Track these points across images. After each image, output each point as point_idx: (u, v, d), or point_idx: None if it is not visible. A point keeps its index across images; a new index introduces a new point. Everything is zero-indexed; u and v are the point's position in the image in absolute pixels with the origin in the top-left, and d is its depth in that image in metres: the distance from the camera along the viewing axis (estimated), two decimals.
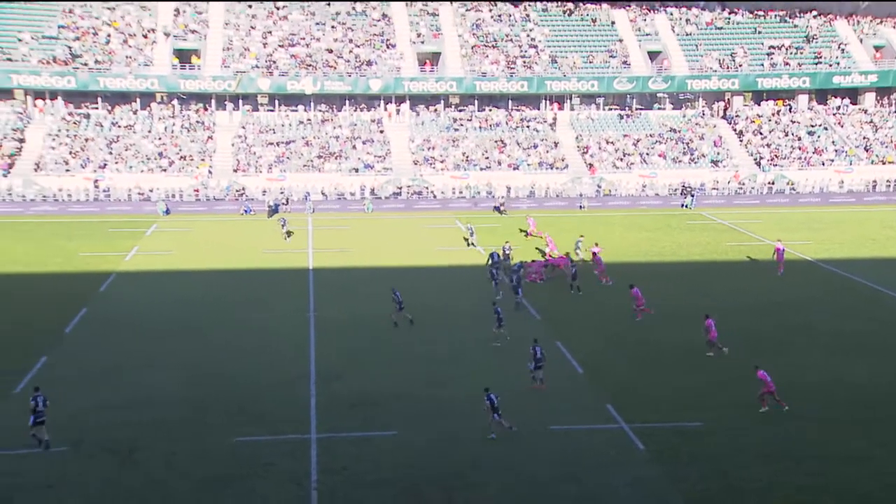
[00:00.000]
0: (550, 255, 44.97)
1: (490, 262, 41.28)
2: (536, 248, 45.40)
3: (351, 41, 76.06)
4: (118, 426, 25.65)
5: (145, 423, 25.85)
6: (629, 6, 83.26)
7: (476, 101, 76.12)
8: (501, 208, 60.75)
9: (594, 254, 43.30)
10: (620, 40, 79.44)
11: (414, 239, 51.06)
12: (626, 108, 78.53)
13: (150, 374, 29.58)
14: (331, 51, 74.95)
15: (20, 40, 71.66)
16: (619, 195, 67.92)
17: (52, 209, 61.15)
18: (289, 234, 51.64)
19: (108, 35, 73.67)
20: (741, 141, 75.12)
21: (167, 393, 28.13)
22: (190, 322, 35.49)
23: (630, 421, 26.24)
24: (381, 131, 72.53)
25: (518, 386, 28.73)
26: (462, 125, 73.87)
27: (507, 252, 43.94)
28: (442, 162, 69.35)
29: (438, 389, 28.71)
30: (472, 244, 49.06)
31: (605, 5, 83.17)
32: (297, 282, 41.70)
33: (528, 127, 74.38)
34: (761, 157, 72.77)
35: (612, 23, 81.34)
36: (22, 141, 68.33)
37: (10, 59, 70.18)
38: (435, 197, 65.93)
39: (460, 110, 76.03)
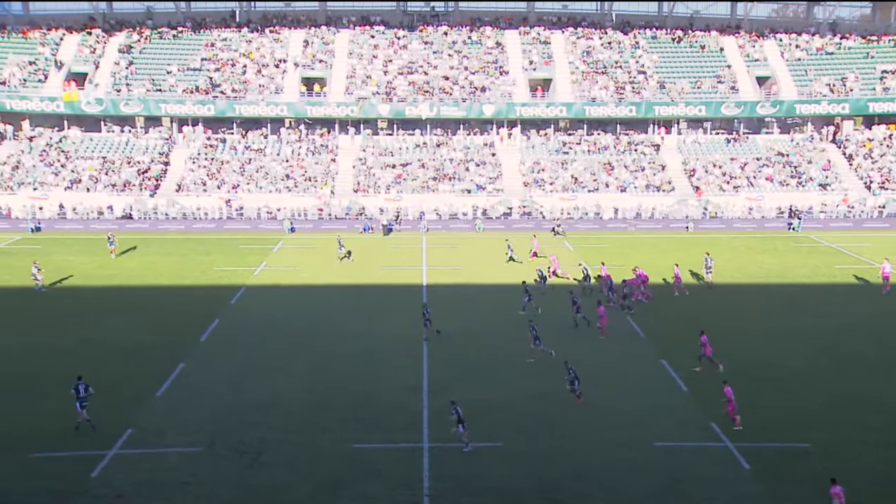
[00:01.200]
0: (554, 273, 44.97)
1: (583, 280, 40.68)
2: (634, 269, 44.64)
3: (466, 68, 76.76)
4: (246, 429, 26.49)
5: (270, 426, 26.59)
6: (738, 33, 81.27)
7: (585, 126, 75.54)
8: (557, 229, 59.79)
9: (635, 272, 42.16)
10: (729, 66, 77.53)
11: (523, 258, 50.92)
12: (734, 133, 76.44)
13: (275, 381, 30.36)
14: (447, 78, 75.84)
15: (169, 72, 75.30)
16: (725, 217, 66.08)
17: (192, 226, 63.68)
18: (348, 253, 51.35)
19: (244, 66, 76.53)
20: (851, 165, 71.99)
21: (289, 399, 28.84)
22: (311, 333, 36.17)
23: (736, 440, 25.44)
24: (493, 154, 72.78)
25: (621, 404, 28.28)
26: (571, 148, 73.39)
27: (585, 272, 43.15)
28: (551, 184, 69.01)
29: (542, 402, 28.59)
30: (512, 258, 49.76)
31: (714, 32, 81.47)
32: (412, 297, 42.14)
33: (635, 150, 73.30)
34: (871, 181, 69.55)
35: (721, 49, 79.48)
36: (167, 164, 71.50)
37: (160, 90, 73.77)
38: (544, 217, 65.60)
39: (570, 134, 75.57)
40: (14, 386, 29.57)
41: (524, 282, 40.67)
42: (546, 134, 75.33)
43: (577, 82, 75.52)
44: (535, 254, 50.74)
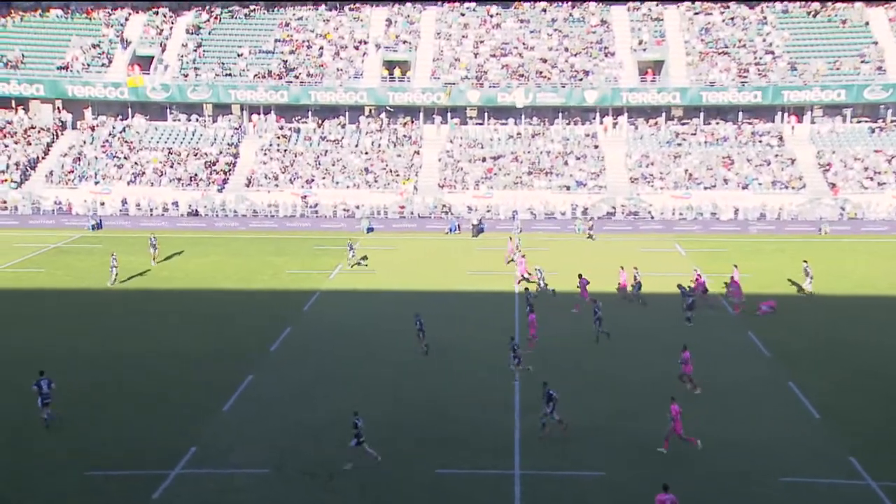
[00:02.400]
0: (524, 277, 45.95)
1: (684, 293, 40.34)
2: (723, 284, 43.62)
3: (566, 49, 76.31)
4: (317, 448, 26.88)
5: (344, 446, 26.82)
6: (889, 3, 78.10)
7: (701, 114, 74.17)
8: (591, 232, 60.33)
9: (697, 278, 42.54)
10: (875, 43, 74.84)
11: (627, 263, 50.32)
12: (879, 121, 73.77)
13: (349, 396, 30.63)
14: (545, 60, 75.55)
15: (240, 55, 77.12)
16: (867, 219, 63.90)
17: (263, 225, 65.10)
18: (363, 258, 51.76)
19: (321, 48, 77.77)
20: None
21: (364, 416, 28.85)
22: (389, 343, 36.50)
23: (879, 478, 24.51)
24: (596, 146, 72.18)
25: (739, 431, 27.58)
26: (685, 139, 72.15)
27: (698, 280, 42.99)
28: (662, 179, 67.99)
29: (633, 422, 28.38)
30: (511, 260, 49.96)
31: (858, 4, 78.42)
32: (502, 305, 42.20)
33: (759, 142, 71.56)
34: None
35: (866, 23, 76.78)
36: (236, 156, 73.14)
37: (229, 75, 75.64)
38: (653, 218, 64.71)
39: (683, 123, 74.30)
40: (74, 399, 30.60)
41: (526, 289, 40.75)
42: (656, 123, 74.25)
43: (693, 64, 74.19)
44: (512, 260, 50.58)
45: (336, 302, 43.12)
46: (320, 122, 76.44)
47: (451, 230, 62.39)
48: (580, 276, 42.33)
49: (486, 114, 75.82)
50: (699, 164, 69.40)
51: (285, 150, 73.07)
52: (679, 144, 71.79)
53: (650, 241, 58.55)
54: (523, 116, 75.00)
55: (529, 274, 46.16)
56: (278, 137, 74.52)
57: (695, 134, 72.67)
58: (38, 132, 75.52)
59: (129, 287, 46.91)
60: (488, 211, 66.27)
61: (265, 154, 72.83)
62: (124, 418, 28.67)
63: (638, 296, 42.47)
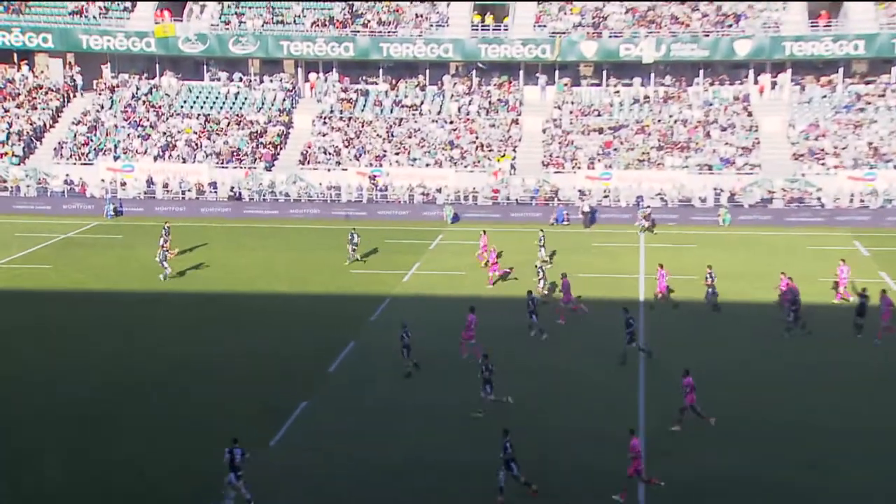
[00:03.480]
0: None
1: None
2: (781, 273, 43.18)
3: None
4: (382, 497, 26.96)
5: (415, 494, 26.94)
6: None
7: (893, 70, 72.50)
8: (646, 223, 60.84)
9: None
10: None
11: (788, 265, 49.56)
12: None
13: (428, 429, 30.78)
14: (682, 1, 74.93)
15: None
16: None
17: (321, 212, 65.94)
18: (360, 258, 52.30)
19: None
20: None
21: (447, 455, 29.15)
22: (473, 364, 35.42)
23: None
24: (749, 113, 71.24)
25: None
26: (869, 104, 70.66)
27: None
28: (836, 156, 66.81)
29: (800, 474, 27.98)
30: (545, 263, 49.39)
31: None
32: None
33: None
34: None
35: None
36: (289, 125, 74.25)
37: (281, 22, 76.79)
38: (823, 206, 63.59)
39: (868, 82, 72.75)
40: (83, 426, 31.50)
41: (530, 292, 40.65)
42: (831, 82, 73.00)
43: (883, 4, 72.57)
44: (486, 257, 50.23)
45: (412, 310, 43.05)
46: (394, 82, 77.09)
47: (557, 220, 62.34)
48: (564, 275, 43.09)
49: (604, 72, 75.57)
50: (888, 135, 68.14)
51: (350, 119, 73.73)
52: (861, 110, 70.53)
53: (820, 237, 57.75)
54: (653, 75, 74.53)
55: (507, 271, 48.48)
56: (341, 102, 75.25)
57: (883, 96, 71.31)
58: (46, 94, 77.58)
59: (154, 288, 47.91)
60: (605, 196, 66.04)
61: (325, 123, 73.55)
62: (146, 451, 29.35)
63: (710, 301, 43.30)
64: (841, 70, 73.19)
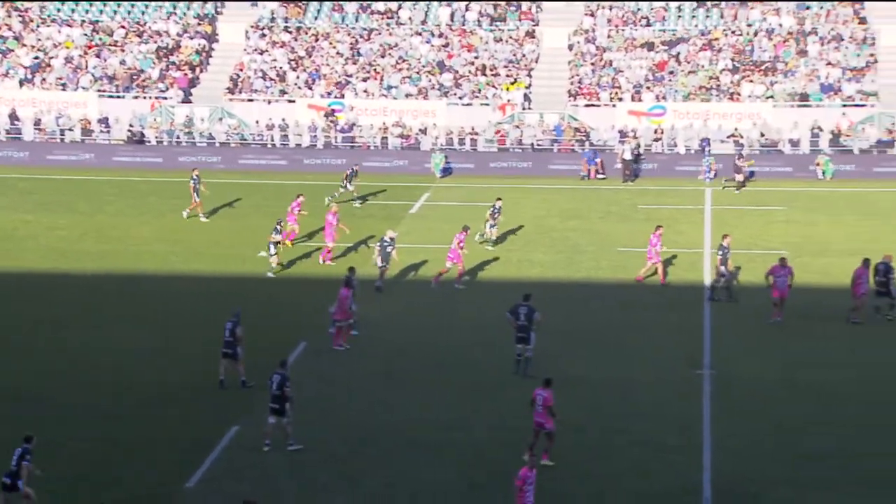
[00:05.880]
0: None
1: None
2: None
3: None
4: None
5: None
6: None
7: None
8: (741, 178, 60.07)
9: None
10: None
11: None
12: None
13: (400, 461, 30.20)
14: None
15: None
16: None
17: (259, 161, 65.10)
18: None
19: None
20: None
21: (447, 487, 28.65)
22: (464, 369, 36.46)
23: None
24: (862, 20, 70.39)
25: None
26: None
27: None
28: None
29: None
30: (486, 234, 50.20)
31: None
32: (678, 311, 42.39)
33: None
34: None
35: None
36: (212, 39, 73.34)
37: None
38: None
39: None
40: None
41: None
42: None
43: None
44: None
45: (384, 297, 43.27)
46: None
47: (587, 174, 61.51)
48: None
49: None
50: None
51: (298, 30, 72.92)
52: None
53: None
54: None
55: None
56: (286, 6, 74.25)
57: None
58: None
59: (18, 267, 46.81)
60: (657, 139, 65.07)
61: (262, 36, 72.68)
62: None
63: (723, 284, 43.81)
64: None
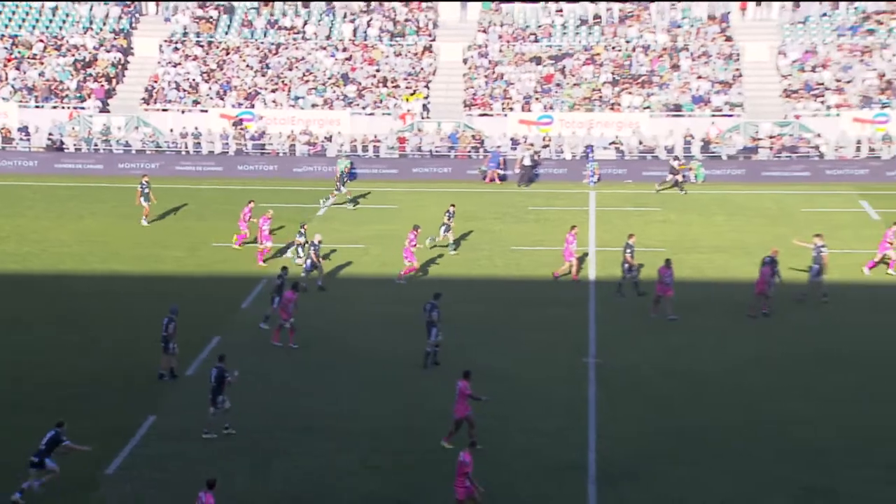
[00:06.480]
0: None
1: None
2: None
3: None
4: None
5: None
6: None
7: None
8: (677, 176, 60.76)
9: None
10: None
11: (777, 233, 50.70)
12: None
13: (309, 463, 30.28)
14: None
15: None
16: None
17: (172, 168, 65.82)
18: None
19: None
20: None
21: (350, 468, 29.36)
22: (378, 366, 36.79)
23: None
24: (728, 38, 72.60)
25: None
26: (881, 24, 71.92)
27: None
28: (839, 92, 67.89)
29: None
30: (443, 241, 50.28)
31: None
32: (573, 310, 43.00)
33: None
34: None
35: None
36: (127, 52, 74.10)
37: None
38: (822, 156, 64.70)
39: None
40: None
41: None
42: None
43: None
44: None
45: (307, 295, 42.98)
46: None
47: (486, 174, 63.56)
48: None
49: None
50: None
51: (210, 44, 74.05)
52: (870, 31, 71.53)
53: (819, 197, 59.25)
54: None
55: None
56: (198, 21, 75.40)
57: None
58: None
59: None
60: (545, 146, 66.88)
61: (175, 50, 73.65)
62: None
63: (629, 280, 44.61)
64: None
